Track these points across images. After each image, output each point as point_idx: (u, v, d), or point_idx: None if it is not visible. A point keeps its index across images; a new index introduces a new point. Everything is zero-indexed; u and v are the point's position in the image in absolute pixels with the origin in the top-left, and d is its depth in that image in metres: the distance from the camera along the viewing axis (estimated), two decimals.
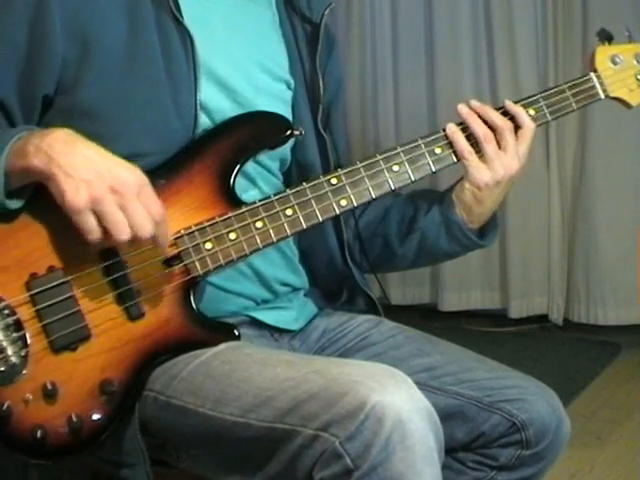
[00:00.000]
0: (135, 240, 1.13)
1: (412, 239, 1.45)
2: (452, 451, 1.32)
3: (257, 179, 1.36)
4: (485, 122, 1.36)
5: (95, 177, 1.11)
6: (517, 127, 1.37)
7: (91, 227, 1.11)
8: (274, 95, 1.39)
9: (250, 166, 1.33)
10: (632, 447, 2.55)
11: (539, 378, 1.38)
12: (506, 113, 1.38)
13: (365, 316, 1.46)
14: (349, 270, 1.46)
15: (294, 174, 1.43)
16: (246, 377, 1.16)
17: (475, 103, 1.38)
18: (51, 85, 1.25)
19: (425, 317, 3.82)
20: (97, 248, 1.15)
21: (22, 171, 1.14)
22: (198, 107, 1.28)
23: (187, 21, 1.29)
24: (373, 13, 3.92)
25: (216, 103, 1.31)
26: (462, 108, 1.37)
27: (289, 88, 1.43)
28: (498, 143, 1.36)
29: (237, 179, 1.27)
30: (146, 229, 1.13)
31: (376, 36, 3.92)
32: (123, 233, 1.12)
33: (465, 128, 1.36)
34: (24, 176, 1.15)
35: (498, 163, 1.35)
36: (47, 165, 1.11)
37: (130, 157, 1.23)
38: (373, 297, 1.49)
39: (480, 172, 1.35)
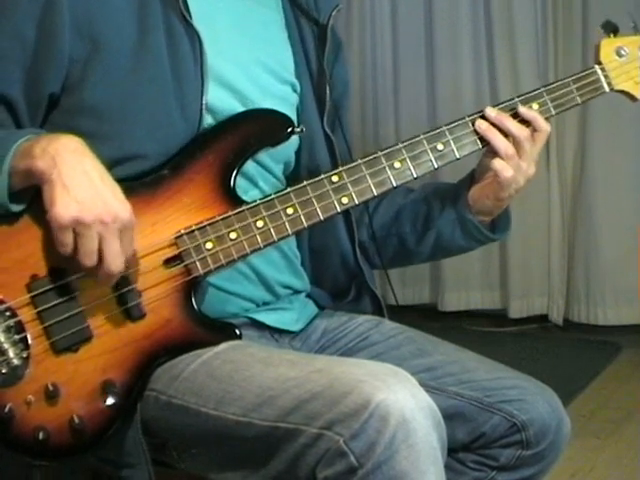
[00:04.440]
0: (100, 272, 1.14)
1: (428, 237, 1.45)
2: (452, 451, 1.32)
3: (259, 181, 1.35)
4: (501, 130, 1.34)
5: (89, 201, 1.12)
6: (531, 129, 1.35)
7: (66, 243, 1.13)
8: (279, 97, 1.38)
9: (252, 167, 1.33)
10: (632, 447, 2.55)
11: (539, 378, 1.38)
12: (516, 115, 1.35)
13: (365, 316, 1.46)
14: (359, 269, 1.46)
15: (303, 177, 1.41)
16: (248, 376, 1.16)
17: (490, 113, 1.35)
18: (57, 83, 1.25)
19: (425, 317, 3.82)
20: (64, 257, 1.15)
21: (25, 172, 1.14)
22: (204, 109, 1.27)
23: (195, 21, 1.28)
24: (373, 13, 3.93)
25: (223, 105, 1.30)
26: (481, 124, 1.34)
27: (294, 91, 1.43)
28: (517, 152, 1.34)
29: (238, 181, 1.26)
30: (116, 267, 1.14)
31: (376, 36, 3.93)
32: (89, 260, 1.13)
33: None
34: (26, 178, 1.15)
35: (520, 175, 1.35)
36: (49, 169, 1.12)
37: (131, 158, 1.24)
38: (380, 297, 1.49)
39: (508, 189, 1.35)
